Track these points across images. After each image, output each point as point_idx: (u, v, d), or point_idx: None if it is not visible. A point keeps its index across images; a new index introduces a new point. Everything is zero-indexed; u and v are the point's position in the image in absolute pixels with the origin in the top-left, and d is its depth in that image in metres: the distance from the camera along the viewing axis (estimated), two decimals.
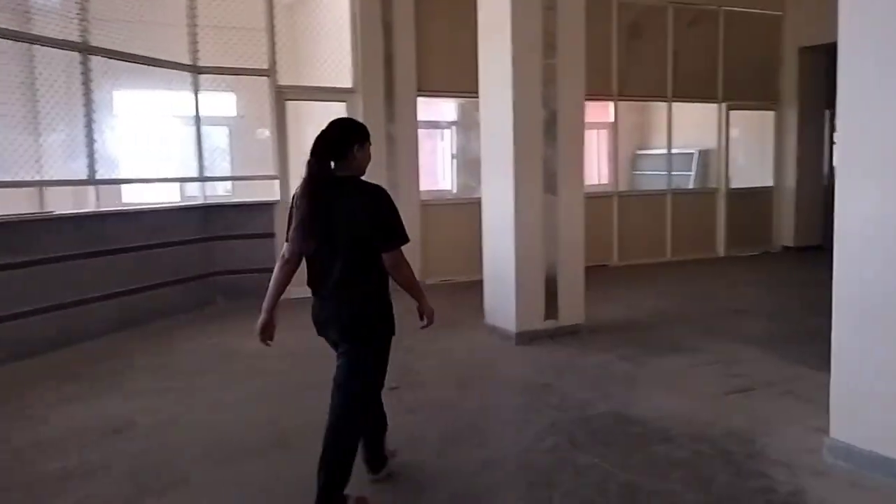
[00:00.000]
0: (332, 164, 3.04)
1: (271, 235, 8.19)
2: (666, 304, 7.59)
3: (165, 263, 7.36)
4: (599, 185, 12.61)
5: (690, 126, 11.73)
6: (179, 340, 6.51)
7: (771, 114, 11.58)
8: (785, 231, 11.64)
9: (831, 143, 11.90)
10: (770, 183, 11.68)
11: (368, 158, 3.15)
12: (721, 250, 11.26)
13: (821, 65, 11.50)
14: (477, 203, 6.82)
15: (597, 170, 13.48)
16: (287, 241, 3.06)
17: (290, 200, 3.11)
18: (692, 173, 12.47)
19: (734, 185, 11.36)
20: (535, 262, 6.10)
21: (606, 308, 7.24)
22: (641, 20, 10.38)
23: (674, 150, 11.03)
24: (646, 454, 3.78)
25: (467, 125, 10.78)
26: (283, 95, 8.25)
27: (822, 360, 5.43)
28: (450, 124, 11.05)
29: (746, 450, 3.80)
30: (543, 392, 4.84)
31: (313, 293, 3.13)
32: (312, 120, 9.60)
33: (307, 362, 5.69)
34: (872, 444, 3.40)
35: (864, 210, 3.44)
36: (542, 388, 4.93)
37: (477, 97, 6.63)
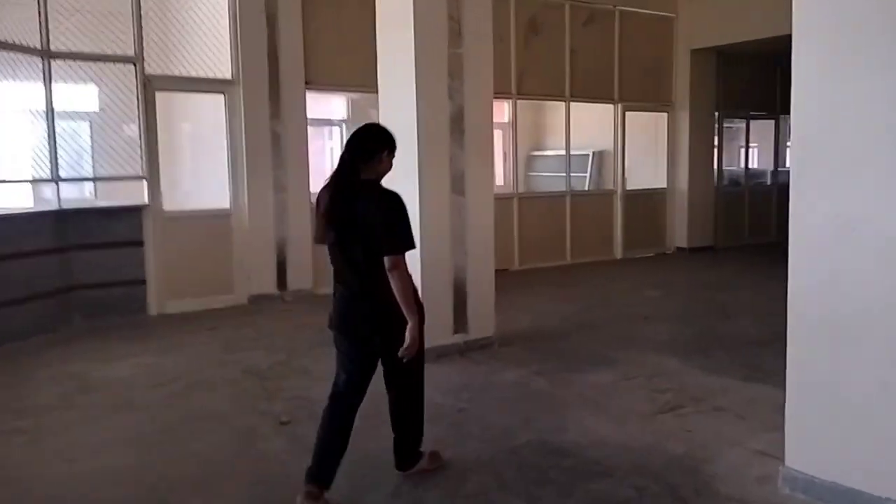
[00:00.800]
0: (360, 165, 3.09)
1: (139, 244, 7.25)
2: (574, 311, 7.25)
3: (13, 278, 6.28)
4: (498, 186, 12.29)
5: (585, 127, 11.58)
6: (29, 368, 5.51)
7: (664, 115, 11.62)
8: (678, 232, 11.71)
9: (720, 145, 12.10)
10: (664, 185, 11.71)
11: (390, 167, 3.22)
12: (619, 252, 11.16)
13: (711, 67, 11.66)
14: None
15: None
16: (315, 240, 3.27)
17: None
18: (587, 175, 12.37)
19: (630, 186, 11.29)
20: (443, 270, 5.57)
21: (514, 317, 6.80)
22: (539, 17, 10.09)
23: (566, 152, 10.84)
24: (585, 493, 3.30)
25: (360, 122, 10.07)
26: (151, 86, 7.31)
27: (743, 369, 5.29)
28: (340, 122, 10.36)
29: (692, 482, 3.40)
30: (460, 419, 4.29)
31: (334, 291, 3.23)
32: (187, 114, 8.66)
33: (186, 391, 4.92)
34: (834, 475, 3.06)
35: (820, 215, 3.10)
36: (458, 414, 4.38)
37: (371, 92, 6.04)
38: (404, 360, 3.11)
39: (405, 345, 3.04)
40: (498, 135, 12.86)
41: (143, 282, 7.32)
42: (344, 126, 10.22)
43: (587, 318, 6.98)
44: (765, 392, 4.65)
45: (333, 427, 3.22)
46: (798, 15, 3.13)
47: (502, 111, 10.72)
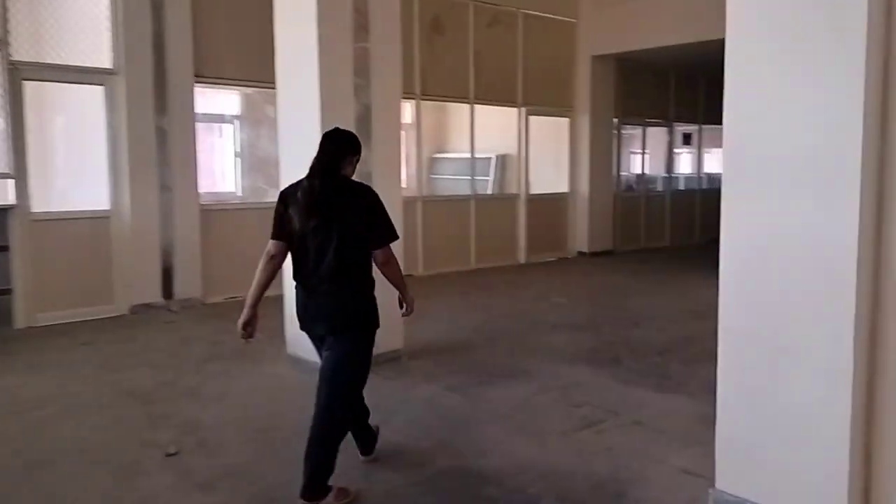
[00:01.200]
0: (335, 166, 3.21)
1: (4, 248, 6.48)
2: (482, 320, 7.04)
3: None
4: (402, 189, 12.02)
5: (488, 130, 11.46)
6: None
7: (566, 120, 11.66)
8: (579, 237, 11.78)
9: (618, 151, 12.27)
10: (566, 189, 11.76)
11: (353, 171, 3.33)
12: (522, 257, 11.09)
13: (611, 74, 11.80)
14: (269, 208, 5.79)
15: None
16: (273, 237, 3.22)
17: (278, 199, 3.27)
18: (490, 178, 12.26)
19: (533, 191, 11.24)
20: None
21: (422, 326, 6.50)
22: (443, 16, 9.86)
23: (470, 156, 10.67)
24: None
25: (255, 119, 9.57)
26: (19, 74, 6.55)
27: (654, 378, 5.20)
28: (233, 118, 9.75)
29: None
30: None
31: (301, 287, 3.23)
32: (62, 107, 7.86)
33: (55, 418, 4.33)
34: (767, 498, 2.93)
35: (754, 225, 2.97)
36: None
37: (268, 87, 5.62)
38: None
39: (408, 303, 3.41)
40: (401, 136, 12.60)
41: (9, 291, 6.56)
42: (237, 123, 9.63)
43: (496, 326, 6.78)
44: (679, 403, 4.57)
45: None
46: (731, 21, 2.99)
47: (405, 112, 10.42)
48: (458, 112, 11.09)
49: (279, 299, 5.71)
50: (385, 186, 5.36)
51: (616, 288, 8.90)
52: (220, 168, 10.05)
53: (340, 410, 3.22)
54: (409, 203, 9.65)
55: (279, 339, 5.68)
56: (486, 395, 4.73)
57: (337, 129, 3.32)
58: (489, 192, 11.64)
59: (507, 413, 4.41)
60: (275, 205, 3.28)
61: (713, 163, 15.11)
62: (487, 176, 12.25)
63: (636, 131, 13.24)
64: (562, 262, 11.36)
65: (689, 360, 5.52)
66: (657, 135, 13.74)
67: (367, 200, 3.18)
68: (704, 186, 14.27)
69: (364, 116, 5.20)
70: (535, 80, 11.03)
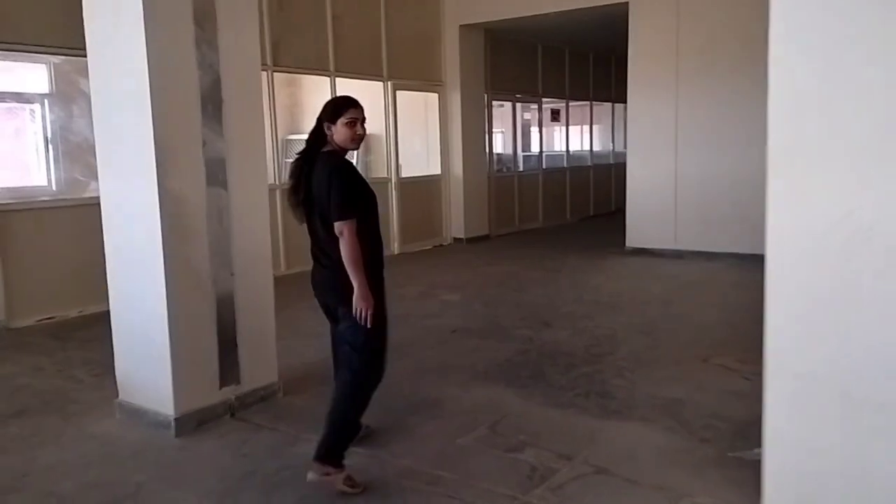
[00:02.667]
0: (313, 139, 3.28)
1: None
2: None
3: None
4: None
5: None
6: None
7: (435, 95, 10.67)
8: (455, 222, 10.89)
9: (489, 129, 11.45)
10: (438, 171, 10.80)
11: (347, 133, 3.23)
12: (396, 247, 10.03)
13: (480, 45, 10.93)
14: (91, 205, 4.40)
15: None
16: (355, 215, 3.14)
17: (347, 173, 3.23)
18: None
19: (405, 174, 10.18)
20: (199, 296, 3.91)
21: (297, 346, 5.32)
22: None
23: None
24: None
25: (69, 96, 7.79)
26: None
27: (594, 398, 4.13)
28: (42, 97, 7.91)
29: None
30: None
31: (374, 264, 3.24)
32: None
33: None
34: None
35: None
36: None
37: (80, 54, 4.16)
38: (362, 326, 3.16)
39: (357, 304, 3.13)
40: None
41: None
42: (47, 103, 7.82)
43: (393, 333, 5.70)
44: (636, 433, 3.71)
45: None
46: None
47: None
48: (314, 87, 9.79)
49: (103, 318, 4.33)
50: (244, 177, 4.14)
51: (507, 278, 8.06)
52: (29, 157, 8.18)
53: (352, 386, 3.22)
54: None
55: (108, 378, 4.28)
56: (394, 446, 3.64)
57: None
58: None
59: (426, 474, 3.33)
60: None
61: (577, 140, 14.76)
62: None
63: (506, 107, 12.52)
64: (439, 250, 10.42)
65: (622, 368, 4.71)
66: (527, 111, 13.11)
67: (327, 173, 3.14)
68: (573, 164, 13.84)
69: (212, 86, 3.90)
70: (401, 51, 9.94)
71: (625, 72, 15.13)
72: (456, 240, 10.87)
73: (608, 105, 14.76)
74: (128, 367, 4.06)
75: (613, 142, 15.24)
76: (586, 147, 14.59)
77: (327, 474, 3.07)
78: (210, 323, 3.96)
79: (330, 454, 3.10)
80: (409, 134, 10.52)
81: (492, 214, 11.45)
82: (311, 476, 3.08)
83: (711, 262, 8.55)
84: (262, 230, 4.29)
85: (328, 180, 3.09)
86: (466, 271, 8.60)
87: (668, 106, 8.98)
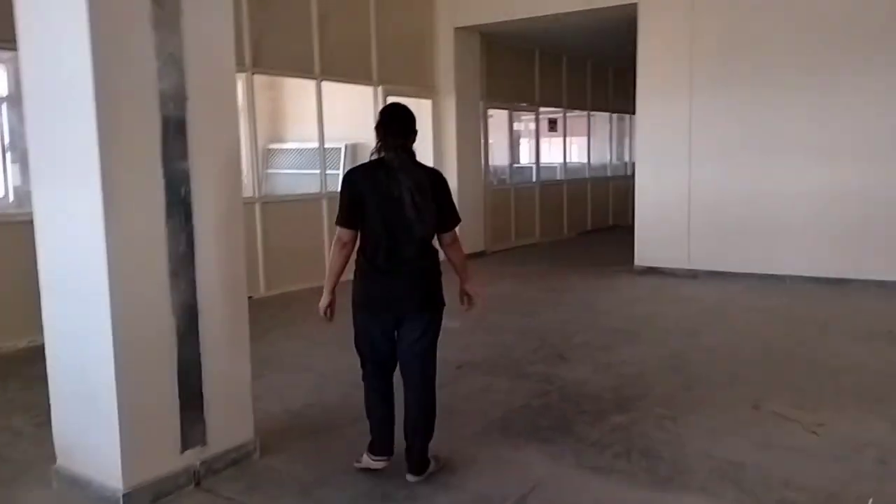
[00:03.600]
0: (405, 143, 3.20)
1: None
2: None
3: None
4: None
5: (336, 113, 9.60)
6: None
7: (428, 102, 9.98)
8: None
9: (485, 139, 10.78)
10: None
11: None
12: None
13: (476, 50, 10.28)
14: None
15: None
16: (343, 224, 3.17)
17: (343, 183, 3.19)
18: (340, 173, 10.38)
19: None
20: (155, 335, 3.15)
21: (279, 386, 4.59)
22: None
23: (316, 145, 8.70)
24: None
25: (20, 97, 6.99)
26: None
27: (641, 461, 3.29)
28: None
29: None
30: None
31: (375, 270, 3.17)
32: None
33: None
34: None
35: None
36: None
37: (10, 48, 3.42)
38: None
39: (474, 296, 3.54)
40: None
41: None
42: (5, 105, 7.05)
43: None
44: None
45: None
46: None
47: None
48: (299, 92, 9.10)
49: (36, 355, 3.59)
50: (213, 191, 3.41)
51: (509, 301, 7.35)
52: None
53: (434, 382, 3.34)
54: (244, 207, 7.60)
55: (45, 437, 3.50)
56: None
57: (395, 107, 3.36)
58: (338, 188, 9.80)
59: None
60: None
61: (574, 151, 14.15)
62: (336, 170, 10.36)
63: (501, 116, 11.87)
64: None
65: (662, 417, 4.01)
66: (524, 120, 12.48)
67: (437, 180, 3.22)
68: (570, 177, 13.20)
69: (176, 85, 3.16)
70: (392, 54, 9.26)
71: (623, 81, 14.61)
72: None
73: (605, 115, 14.16)
74: (66, 426, 3.29)
75: (611, 153, 14.63)
76: (583, 159, 13.97)
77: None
78: (168, 369, 3.20)
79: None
80: None
81: (488, 230, 10.77)
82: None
83: (728, 283, 7.90)
84: (233, 255, 3.55)
85: (442, 184, 3.29)
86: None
87: (681, 114, 8.34)
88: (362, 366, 3.39)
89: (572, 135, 13.34)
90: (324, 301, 3.31)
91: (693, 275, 8.34)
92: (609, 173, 14.44)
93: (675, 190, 8.47)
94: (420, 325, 3.23)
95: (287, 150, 10.40)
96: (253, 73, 7.68)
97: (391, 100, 9.15)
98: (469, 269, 3.42)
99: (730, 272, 8.14)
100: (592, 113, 13.68)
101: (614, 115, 14.41)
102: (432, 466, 3.30)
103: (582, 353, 5.33)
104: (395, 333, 3.28)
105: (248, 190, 7.99)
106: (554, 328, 6.10)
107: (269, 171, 10.77)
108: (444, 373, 4.88)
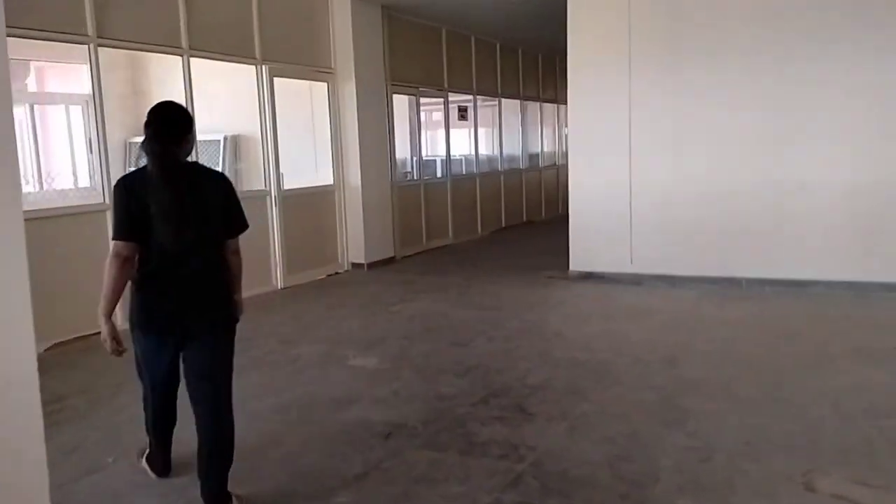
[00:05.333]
0: (177, 149, 2.83)
1: None
2: (243, 424, 3.75)
3: None
4: (82, 192, 8.17)
5: (214, 99, 8.05)
6: None
7: (324, 86, 8.50)
8: (353, 243, 8.76)
9: (391, 128, 9.40)
10: (330, 181, 8.63)
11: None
12: (280, 280, 7.78)
13: (378, 25, 8.88)
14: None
15: (71, 167, 8.90)
16: (118, 237, 2.77)
17: (115, 191, 2.84)
18: (219, 168, 8.78)
19: (288, 185, 7.95)
20: None
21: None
22: None
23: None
24: None
25: None
26: None
27: None
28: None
29: None
30: None
31: (157, 285, 2.84)
32: None
33: None
34: None
35: None
36: None
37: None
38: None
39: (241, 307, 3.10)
40: (74, 113, 8.68)
41: None
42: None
43: (271, 445, 3.57)
44: None
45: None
46: None
47: (76, 73, 6.58)
48: (168, 71, 7.44)
49: None
50: None
51: (435, 323, 6.03)
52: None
53: (230, 406, 3.01)
54: (88, 217, 5.94)
55: None
56: None
57: (161, 107, 2.89)
58: None
59: None
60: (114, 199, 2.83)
61: (483, 142, 13.00)
62: (216, 166, 8.75)
63: (403, 102, 10.51)
64: (335, 281, 8.26)
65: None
66: (428, 107, 11.18)
67: (223, 185, 2.98)
68: (482, 171, 12.03)
69: None
70: (279, 27, 7.72)
71: (535, 66, 13.60)
72: (355, 265, 8.75)
73: (516, 102, 13.09)
74: None
75: (523, 144, 13.59)
76: (494, 150, 12.84)
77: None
78: None
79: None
80: (293, 134, 8.31)
81: (396, 232, 9.42)
82: None
83: (679, 290, 6.92)
84: (15, 283, 2.04)
85: (228, 189, 2.98)
86: (378, 314, 6.49)
87: (619, 98, 7.26)
88: (144, 387, 3.15)
89: (481, 125, 12.16)
90: (105, 331, 2.83)
91: (637, 280, 7.31)
92: (523, 165, 13.39)
93: (613, 185, 7.40)
94: (208, 345, 2.92)
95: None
96: (98, 46, 5.98)
97: (278, 82, 7.70)
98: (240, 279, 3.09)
99: (678, 276, 7.16)
100: (503, 100, 12.58)
101: (526, 102, 13.37)
102: None
103: (546, 400, 4.09)
104: (181, 355, 2.95)
105: (97, 196, 6.32)
106: (499, 363, 4.83)
107: (133, 170, 9.05)
108: (369, 444, 3.53)
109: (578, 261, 7.67)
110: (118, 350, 2.86)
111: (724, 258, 7.00)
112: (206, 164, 8.06)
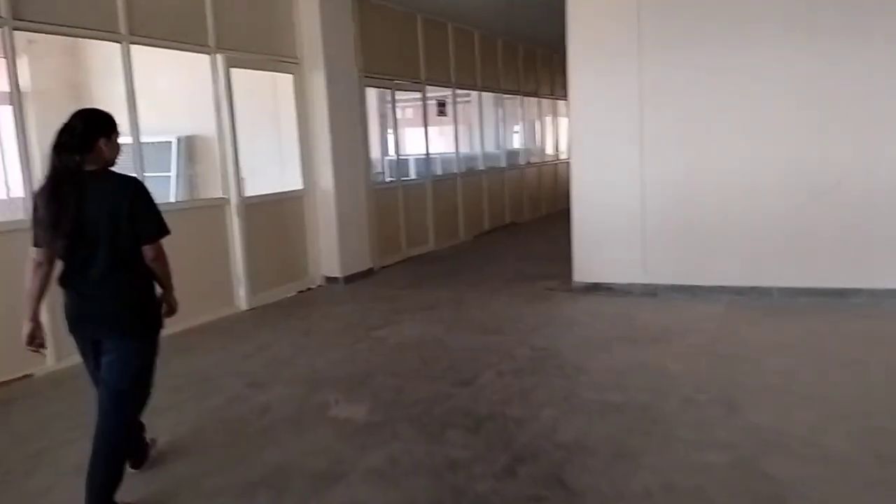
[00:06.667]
0: (79, 158, 2.83)
1: None
2: (187, 485, 2.85)
3: None
4: (11, 201, 7.19)
5: (164, 94, 7.07)
6: None
7: (289, 78, 7.50)
8: (326, 255, 7.78)
9: (364, 126, 8.43)
10: (299, 186, 7.63)
11: (118, 150, 3.01)
12: (244, 300, 6.78)
13: (347, 9, 7.91)
14: None
15: (2, 175, 7.86)
16: (35, 243, 2.90)
17: (35, 198, 2.93)
18: (172, 175, 7.84)
19: (250, 192, 6.94)
20: None
21: None
22: None
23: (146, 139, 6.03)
24: None
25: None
26: None
27: None
28: None
29: None
30: None
31: (69, 290, 2.94)
32: None
33: None
34: None
35: None
36: None
37: None
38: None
39: (171, 304, 3.12)
40: (6, 113, 7.55)
41: None
42: None
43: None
44: None
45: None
46: None
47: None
48: (108, 61, 6.41)
49: None
50: None
51: (428, 353, 5.10)
52: None
53: (128, 416, 3.04)
54: (12, 234, 4.89)
55: None
56: None
57: (76, 113, 2.91)
58: (172, 198, 7.29)
59: None
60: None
61: (467, 140, 12.13)
62: (167, 171, 7.78)
63: (373, 96, 9.59)
64: (307, 299, 7.28)
65: None
66: (408, 102, 10.27)
67: (127, 191, 2.90)
68: (463, 169, 11.13)
69: None
70: (235, 9, 6.72)
71: (514, 56, 12.71)
72: (329, 280, 7.78)
73: (495, 96, 12.22)
74: None
75: (502, 139, 12.72)
76: (475, 148, 11.95)
77: None
78: None
79: None
80: (254, 133, 7.31)
81: (374, 240, 8.46)
82: None
83: (701, 302, 6.09)
84: None
85: (134, 195, 2.90)
86: (361, 342, 5.53)
87: (628, 83, 6.41)
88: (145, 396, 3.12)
89: (460, 121, 11.25)
90: (25, 329, 2.90)
91: (652, 292, 6.47)
92: (504, 163, 12.51)
93: (623, 182, 6.55)
94: (115, 350, 2.93)
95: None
96: (13, 29, 4.94)
97: (237, 74, 6.69)
98: (171, 279, 3.06)
99: (698, 286, 6.34)
100: (482, 94, 11.69)
101: (506, 97, 12.51)
102: None
103: (589, 469, 3.18)
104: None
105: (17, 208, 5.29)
106: (517, 409, 3.91)
107: None
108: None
109: (582, 270, 6.81)
110: (37, 350, 2.97)
111: (752, 265, 6.19)
112: (156, 168, 7.12)
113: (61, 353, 4.95)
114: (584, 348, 5.11)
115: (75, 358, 5.16)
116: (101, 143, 2.87)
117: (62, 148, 2.79)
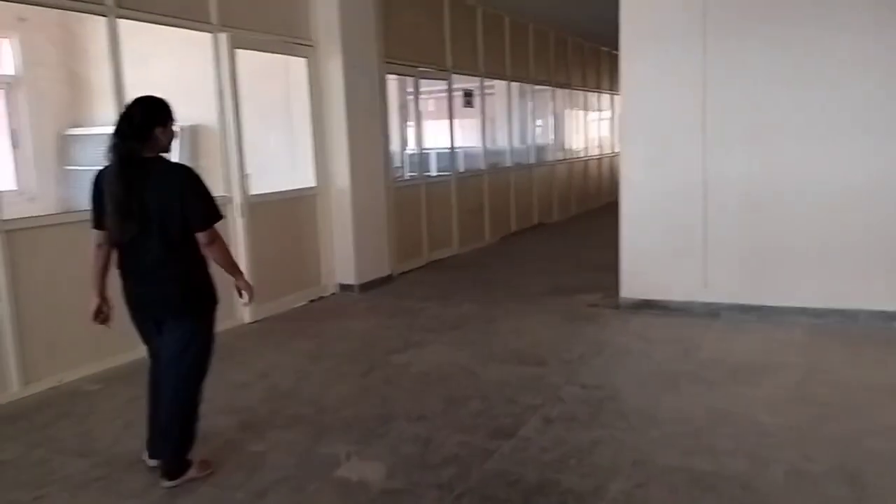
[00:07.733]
0: (138, 145, 2.93)
1: None
2: None
3: None
4: (10, 196, 6.40)
5: (163, 77, 6.28)
6: None
7: (302, 62, 6.70)
8: (340, 260, 6.99)
9: (384, 117, 7.62)
10: (312, 184, 6.84)
11: (172, 138, 3.09)
12: (246, 313, 6.00)
13: None
14: None
15: None
16: (94, 227, 3.07)
17: (93, 183, 3.05)
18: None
19: (257, 189, 6.15)
20: None
21: None
22: None
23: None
24: None
25: None
26: None
27: None
28: None
29: None
30: None
31: (127, 275, 3.10)
32: None
33: None
34: None
35: None
36: None
37: None
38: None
39: (246, 290, 3.23)
40: None
41: None
42: None
43: None
44: None
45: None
46: None
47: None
48: (96, 38, 5.67)
49: None
50: None
51: (456, 386, 4.30)
52: None
53: (192, 389, 3.14)
54: (21, 233, 4.15)
55: None
56: None
57: (131, 103, 3.04)
58: None
59: None
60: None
61: (491, 133, 11.26)
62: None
63: (395, 85, 8.78)
64: (318, 310, 6.50)
65: None
66: (430, 92, 9.46)
67: (181, 179, 3.00)
68: (490, 165, 10.28)
69: None
70: None
71: (545, 44, 11.85)
72: (343, 287, 6.99)
73: (525, 86, 11.37)
74: None
75: (531, 133, 11.88)
76: (501, 143, 11.10)
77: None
78: None
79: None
80: (263, 124, 6.52)
81: (393, 243, 7.65)
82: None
83: (774, 326, 5.25)
84: None
85: (187, 183, 2.99)
86: (378, 370, 4.72)
87: (691, 72, 5.55)
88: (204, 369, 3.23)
89: (486, 112, 10.40)
90: (91, 304, 3.13)
91: (713, 312, 5.62)
92: (532, 159, 11.67)
93: (682, 187, 5.70)
94: (175, 331, 3.08)
95: (94, 136, 6.95)
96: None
97: (243, 56, 5.89)
98: (236, 265, 3.20)
99: (768, 306, 5.48)
100: (510, 84, 10.84)
101: (532, 86, 11.64)
102: (192, 472, 3.14)
103: None
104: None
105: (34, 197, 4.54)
106: (575, 480, 3.07)
107: (71, 167, 7.34)
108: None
109: (631, 284, 5.97)
110: (103, 324, 3.14)
111: (833, 283, 5.31)
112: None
113: (28, 377, 4.19)
114: (646, 387, 4.26)
115: (45, 383, 4.40)
116: (158, 131, 2.96)
117: (122, 136, 2.91)
